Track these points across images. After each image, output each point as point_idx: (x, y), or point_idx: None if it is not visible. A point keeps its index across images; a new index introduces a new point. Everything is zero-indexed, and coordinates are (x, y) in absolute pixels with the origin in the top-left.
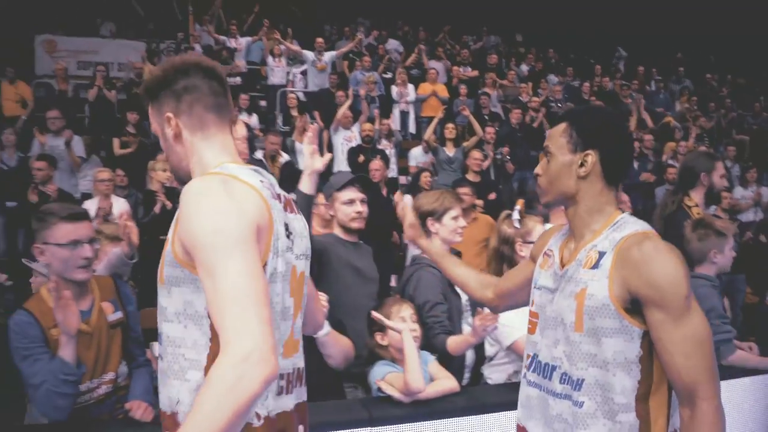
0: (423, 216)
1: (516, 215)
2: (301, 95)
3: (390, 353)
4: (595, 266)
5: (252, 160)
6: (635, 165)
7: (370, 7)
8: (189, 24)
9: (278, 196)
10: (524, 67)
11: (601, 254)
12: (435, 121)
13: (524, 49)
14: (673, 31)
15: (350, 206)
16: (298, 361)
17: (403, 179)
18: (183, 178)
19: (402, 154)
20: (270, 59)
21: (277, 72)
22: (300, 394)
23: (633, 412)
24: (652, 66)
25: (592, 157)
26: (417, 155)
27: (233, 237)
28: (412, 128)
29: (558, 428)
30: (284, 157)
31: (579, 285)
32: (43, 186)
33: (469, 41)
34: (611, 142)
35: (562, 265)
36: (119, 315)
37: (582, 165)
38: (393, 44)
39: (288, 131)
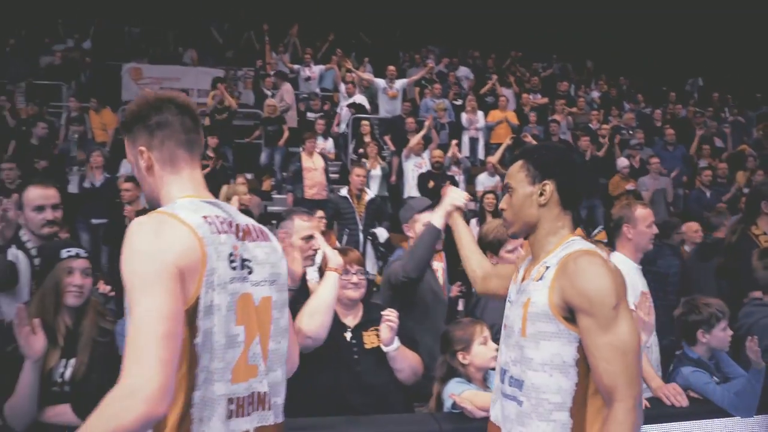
0: (485, 247)
1: None
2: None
3: (468, 372)
4: (541, 278)
5: (338, 198)
6: (708, 194)
7: (440, 35)
8: (265, 52)
9: (235, 228)
10: (595, 94)
11: (548, 269)
12: (503, 147)
13: (595, 76)
14: (750, 57)
15: None
16: (257, 385)
17: (471, 205)
18: (156, 207)
19: (470, 180)
20: (342, 86)
21: (349, 99)
22: (263, 418)
23: (567, 411)
24: (728, 93)
25: (549, 186)
26: (483, 180)
27: (147, 279)
28: (481, 155)
29: (509, 427)
30: (369, 194)
31: (527, 296)
32: (130, 205)
33: (539, 68)
34: (565, 171)
35: (522, 281)
36: None
37: (541, 194)
38: (463, 71)
39: (352, 157)
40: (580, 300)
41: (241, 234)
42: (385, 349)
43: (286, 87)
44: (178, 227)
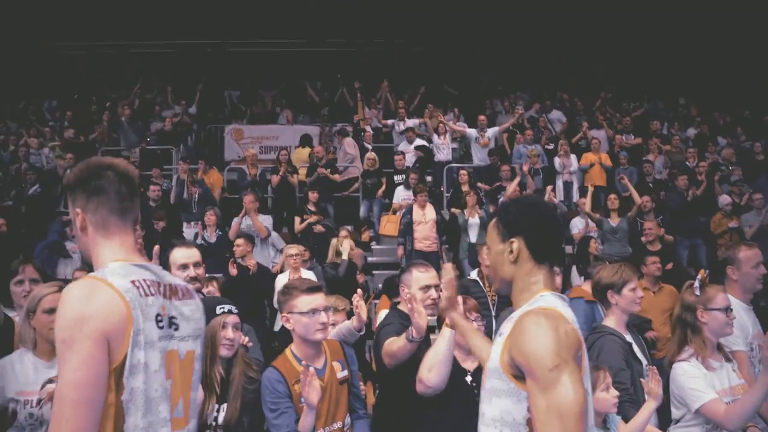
0: (603, 288)
1: (697, 283)
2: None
3: None
4: (501, 334)
5: (468, 282)
6: None
7: (528, 79)
8: (359, 108)
9: (163, 288)
10: (691, 131)
11: (508, 325)
12: (590, 192)
13: (687, 112)
14: None
15: None
16: None
17: (568, 249)
18: (91, 264)
19: (565, 224)
20: (435, 137)
21: (442, 149)
22: None
23: None
24: None
25: (516, 243)
26: (577, 223)
27: (71, 348)
28: (575, 198)
29: None
30: None
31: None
32: (242, 260)
33: (629, 108)
34: (532, 227)
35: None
36: (345, 373)
37: (511, 251)
38: (556, 114)
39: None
40: (521, 359)
41: (168, 294)
42: None
43: (348, 141)
44: (107, 292)
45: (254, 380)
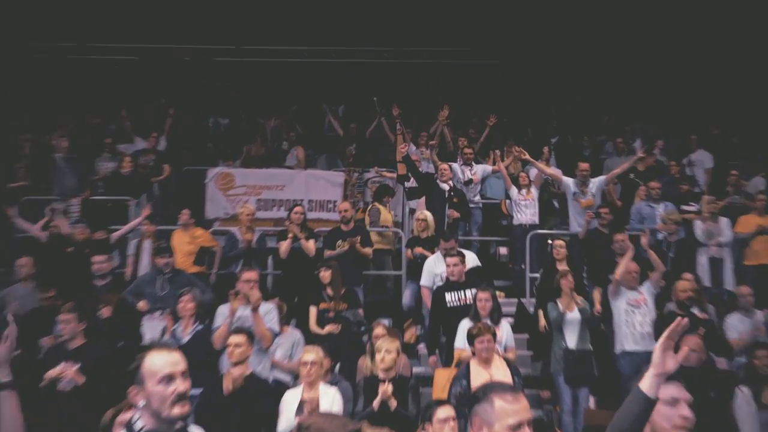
0: None
1: None
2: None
3: None
4: None
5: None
6: None
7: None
8: (398, 142)
9: None
10: None
11: None
12: None
13: None
14: None
15: None
16: None
17: (721, 362)
18: None
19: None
20: (514, 191)
21: (524, 209)
22: None
23: None
24: None
25: None
26: (736, 323)
27: None
28: (729, 284)
29: None
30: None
31: None
32: (235, 366)
33: None
34: None
35: None
36: None
37: None
38: (700, 155)
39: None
40: None
41: None
42: None
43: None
44: None
45: None
